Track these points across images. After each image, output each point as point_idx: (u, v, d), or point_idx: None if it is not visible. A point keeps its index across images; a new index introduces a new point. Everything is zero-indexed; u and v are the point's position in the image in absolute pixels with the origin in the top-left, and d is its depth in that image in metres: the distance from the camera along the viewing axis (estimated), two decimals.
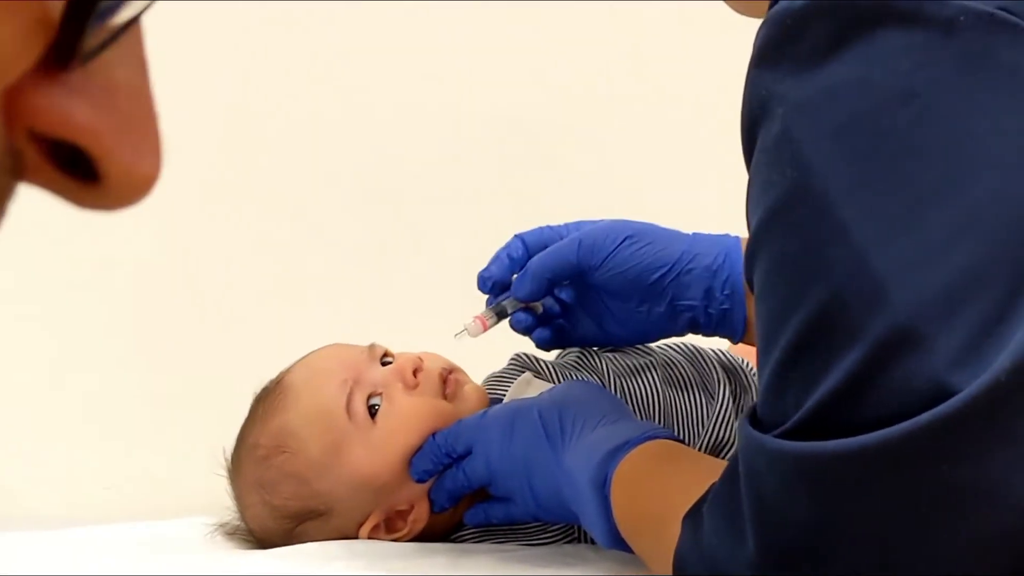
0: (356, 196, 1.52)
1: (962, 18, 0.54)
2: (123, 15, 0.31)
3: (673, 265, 0.94)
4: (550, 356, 1.08)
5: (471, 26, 1.53)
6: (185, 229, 1.46)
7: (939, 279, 0.54)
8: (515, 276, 0.99)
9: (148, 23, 0.33)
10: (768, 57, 0.59)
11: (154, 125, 0.34)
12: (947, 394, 0.53)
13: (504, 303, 0.99)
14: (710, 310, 0.95)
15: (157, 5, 0.32)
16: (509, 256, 0.98)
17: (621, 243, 0.94)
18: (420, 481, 0.94)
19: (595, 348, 1.06)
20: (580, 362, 1.04)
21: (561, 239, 0.98)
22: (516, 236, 1.00)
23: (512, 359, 1.08)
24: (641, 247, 0.94)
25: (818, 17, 0.56)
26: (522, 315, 0.99)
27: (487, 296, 1.01)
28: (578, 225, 0.99)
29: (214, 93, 1.48)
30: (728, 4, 0.72)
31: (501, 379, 1.07)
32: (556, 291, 1.01)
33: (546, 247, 0.98)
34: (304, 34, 1.50)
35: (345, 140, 1.52)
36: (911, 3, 0.54)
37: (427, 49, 1.53)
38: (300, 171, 1.51)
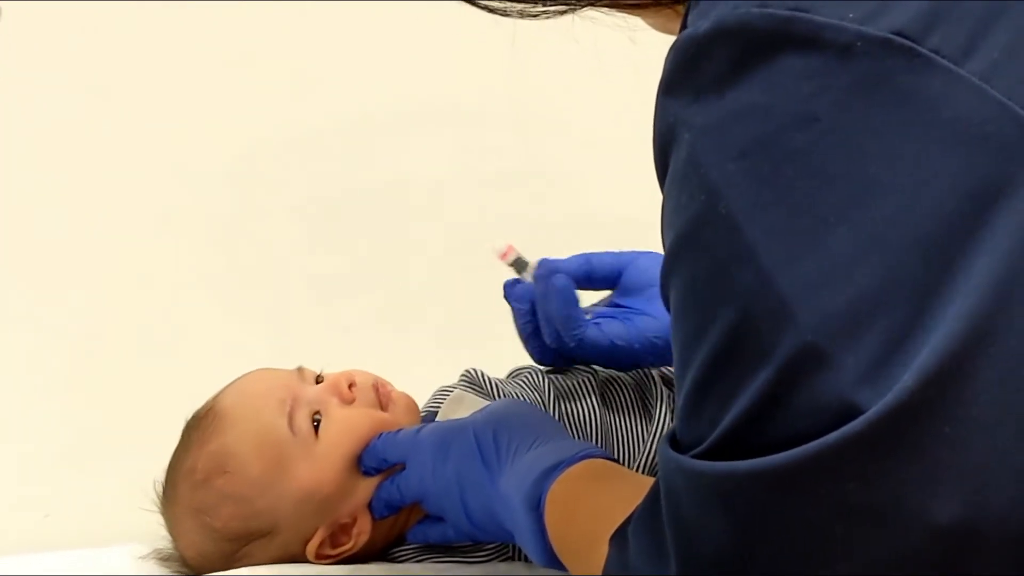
0: (292, 230, 1.52)
1: (859, 43, 0.54)
2: None
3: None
4: (501, 374, 1.09)
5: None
6: (123, 260, 1.45)
7: (843, 298, 0.54)
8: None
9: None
10: (675, 84, 0.59)
11: None
12: (854, 412, 0.54)
13: (528, 263, 1.02)
14: None
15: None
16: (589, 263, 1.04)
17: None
18: (367, 474, 0.96)
19: (541, 368, 1.07)
20: (526, 382, 1.05)
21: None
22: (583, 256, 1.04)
23: (462, 375, 1.09)
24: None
25: (721, 44, 0.57)
26: (519, 288, 1.03)
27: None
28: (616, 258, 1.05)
29: (162, 121, 1.48)
30: (645, 22, 0.73)
31: (447, 393, 1.08)
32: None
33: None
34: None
35: (281, 170, 1.52)
36: (810, 29, 0.55)
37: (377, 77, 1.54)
38: (237, 204, 1.51)
